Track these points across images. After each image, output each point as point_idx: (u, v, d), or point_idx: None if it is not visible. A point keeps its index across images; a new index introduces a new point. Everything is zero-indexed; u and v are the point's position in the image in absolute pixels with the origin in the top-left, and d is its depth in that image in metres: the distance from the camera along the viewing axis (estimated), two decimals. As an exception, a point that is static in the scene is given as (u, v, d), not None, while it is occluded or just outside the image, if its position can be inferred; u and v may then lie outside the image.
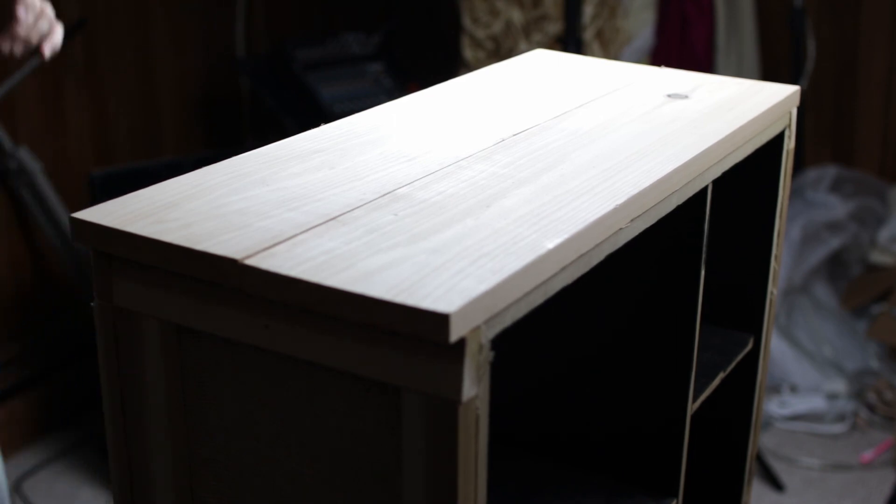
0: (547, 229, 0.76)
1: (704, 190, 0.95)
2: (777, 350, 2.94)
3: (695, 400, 1.02)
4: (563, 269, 0.75)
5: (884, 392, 2.90)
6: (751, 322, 1.20)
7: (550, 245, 0.73)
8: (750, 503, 1.28)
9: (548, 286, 0.74)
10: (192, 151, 3.52)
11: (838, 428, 2.84)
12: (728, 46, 3.33)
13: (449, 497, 0.68)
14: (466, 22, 3.39)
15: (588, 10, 3.18)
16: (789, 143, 1.14)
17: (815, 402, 2.89)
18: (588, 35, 3.20)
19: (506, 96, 1.10)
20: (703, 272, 0.96)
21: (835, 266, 3.24)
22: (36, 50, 1.38)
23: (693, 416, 1.02)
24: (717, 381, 1.10)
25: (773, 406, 2.90)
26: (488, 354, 0.68)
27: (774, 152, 1.13)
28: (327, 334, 0.70)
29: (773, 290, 1.19)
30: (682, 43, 3.28)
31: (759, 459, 2.61)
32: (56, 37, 1.39)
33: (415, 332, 0.65)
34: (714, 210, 0.99)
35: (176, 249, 0.73)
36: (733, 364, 1.15)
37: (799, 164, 3.37)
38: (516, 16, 3.32)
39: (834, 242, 3.18)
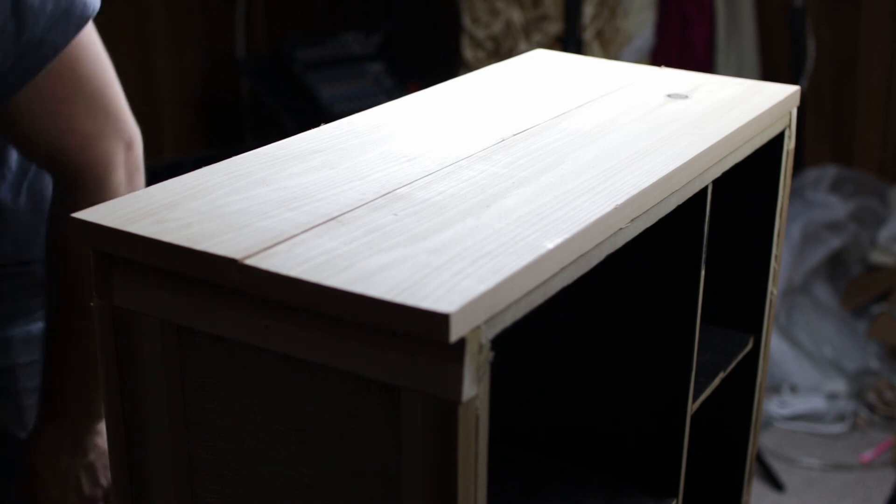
0: (547, 229, 0.76)
1: (704, 190, 0.95)
2: (777, 350, 2.94)
3: (695, 400, 1.02)
4: (564, 269, 0.75)
5: (884, 392, 2.90)
6: (751, 322, 1.20)
7: (551, 245, 0.73)
8: (750, 503, 1.28)
9: (548, 286, 0.74)
10: (192, 151, 3.52)
11: (838, 428, 2.84)
12: (728, 46, 3.33)
13: (449, 497, 0.68)
14: (466, 22, 3.39)
15: (588, 10, 3.18)
16: (789, 144, 1.14)
17: (815, 402, 2.89)
18: (588, 35, 3.20)
19: (506, 96, 1.10)
20: (703, 272, 0.96)
21: (835, 266, 3.24)
22: None
23: (693, 416, 1.02)
24: (717, 381, 1.10)
25: (773, 406, 2.90)
26: (488, 354, 0.68)
27: (774, 152, 1.13)
28: (327, 334, 0.70)
29: (773, 290, 1.19)
30: (682, 43, 3.28)
31: (759, 459, 2.61)
32: None
33: (415, 332, 0.65)
34: (714, 210, 0.99)
35: (176, 249, 0.73)
36: (733, 364, 1.15)
37: (799, 164, 3.37)
38: (516, 16, 3.32)
39: (834, 242, 3.19)
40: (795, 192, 3.26)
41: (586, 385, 1.03)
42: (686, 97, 1.10)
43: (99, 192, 1.14)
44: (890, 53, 3.31)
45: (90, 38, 1.11)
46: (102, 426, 1.17)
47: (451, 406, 0.66)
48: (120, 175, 1.15)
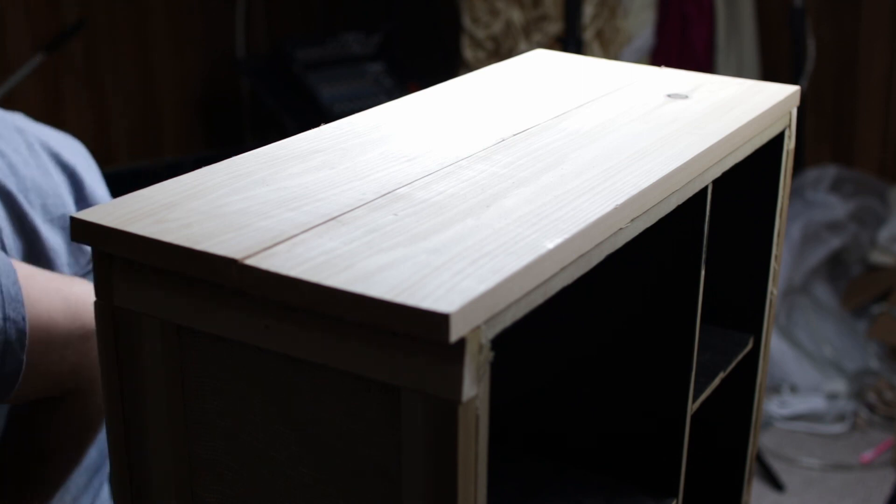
0: (547, 229, 0.76)
1: (704, 190, 0.95)
2: (777, 350, 2.94)
3: (695, 400, 1.02)
4: (564, 269, 0.75)
5: (884, 392, 2.90)
6: (751, 322, 1.20)
7: (551, 245, 0.73)
8: (750, 503, 1.28)
9: (548, 286, 0.74)
10: (192, 151, 3.52)
11: (838, 428, 2.84)
12: (728, 46, 3.33)
13: (449, 497, 0.68)
14: (466, 22, 3.39)
15: (588, 10, 3.18)
16: (789, 144, 1.14)
17: (815, 402, 2.89)
18: (588, 35, 3.20)
19: (506, 96, 1.10)
20: (703, 272, 0.96)
21: (835, 266, 3.24)
22: None
23: (693, 416, 1.02)
24: (717, 381, 1.10)
25: (773, 406, 2.90)
26: (488, 354, 0.68)
27: (774, 152, 1.13)
28: (327, 334, 0.70)
29: (773, 290, 1.19)
30: (682, 43, 3.28)
31: (759, 459, 2.61)
32: None
33: (415, 332, 0.65)
34: (714, 210, 0.99)
35: (176, 249, 0.73)
36: (733, 364, 1.15)
37: (799, 164, 3.37)
38: (516, 16, 3.32)
39: (834, 242, 3.19)
40: (795, 192, 3.26)
41: (586, 385, 1.03)
42: (686, 97, 1.10)
43: (93, 390, 1.13)
44: (890, 53, 3.31)
45: (34, 317, 1.04)
46: None
47: (451, 406, 0.66)
48: None
